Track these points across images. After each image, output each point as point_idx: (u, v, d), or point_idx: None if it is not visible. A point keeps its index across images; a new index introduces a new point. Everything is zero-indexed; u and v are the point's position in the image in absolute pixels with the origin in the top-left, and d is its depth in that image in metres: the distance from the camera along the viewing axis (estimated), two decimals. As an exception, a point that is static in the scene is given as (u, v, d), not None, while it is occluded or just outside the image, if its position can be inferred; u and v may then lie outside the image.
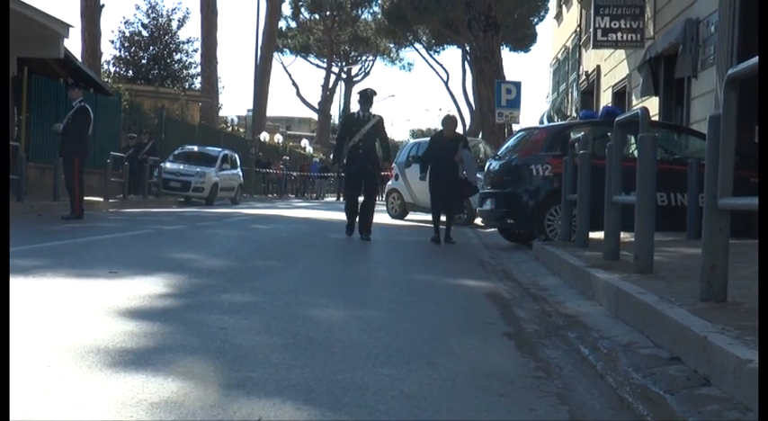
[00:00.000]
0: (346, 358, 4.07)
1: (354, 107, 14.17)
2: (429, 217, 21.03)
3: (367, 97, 13.04)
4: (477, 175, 13.03)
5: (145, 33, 41.50)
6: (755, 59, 4.11)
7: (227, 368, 3.75)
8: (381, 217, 20.37)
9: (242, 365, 3.82)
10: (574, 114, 26.01)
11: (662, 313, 4.44)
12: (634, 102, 19.87)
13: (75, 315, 4.95)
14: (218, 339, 4.43)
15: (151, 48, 41.41)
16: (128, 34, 41.28)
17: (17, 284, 5.82)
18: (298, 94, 78.69)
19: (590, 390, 3.70)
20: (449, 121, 13.06)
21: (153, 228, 13.25)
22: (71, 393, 3.23)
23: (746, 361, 3.21)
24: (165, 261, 8.25)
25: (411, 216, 20.91)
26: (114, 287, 6.16)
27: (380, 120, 12.94)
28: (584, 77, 26.78)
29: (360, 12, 66.79)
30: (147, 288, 6.14)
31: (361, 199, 13.03)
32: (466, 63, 52.70)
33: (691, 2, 15.74)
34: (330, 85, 71.45)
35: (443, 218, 12.85)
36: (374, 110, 13.10)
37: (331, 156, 30.89)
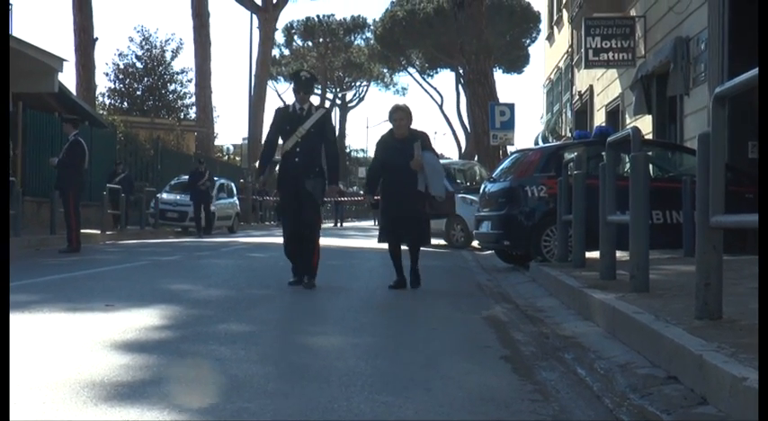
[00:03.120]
0: (342, 386, 4.05)
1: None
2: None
3: (303, 83, 9.16)
4: (446, 183, 9.75)
5: (139, 65, 41.69)
6: (742, 77, 4.13)
7: (224, 399, 3.74)
8: (370, 242, 20.34)
9: (238, 396, 3.80)
10: (568, 134, 26.07)
11: (658, 332, 4.44)
12: (628, 120, 19.92)
13: (71, 349, 4.94)
14: (214, 370, 4.41)
15: (145, 79, 41.59)
16: (122, 66, 41.49)
17: (14, 320, 5.81)
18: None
19: (587, 412, 3.69)
20: (398, 114, 9.15)
21: (149, 259, 13.23)
22: (66, 429, 3.21)
23: (742, 379, 3.21)
24: (162, 292, 8.23)
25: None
26: (110, 320, 6.15)
27: (326, 116, 9.26)
28: (577, 97, 26.86)
29: (352, 38, 67.10)
30: (143, 320, 6.13)
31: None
32: (459, 86, 52.84)
33: (680, 20, 15.82)
34: (325, 111, 71.65)
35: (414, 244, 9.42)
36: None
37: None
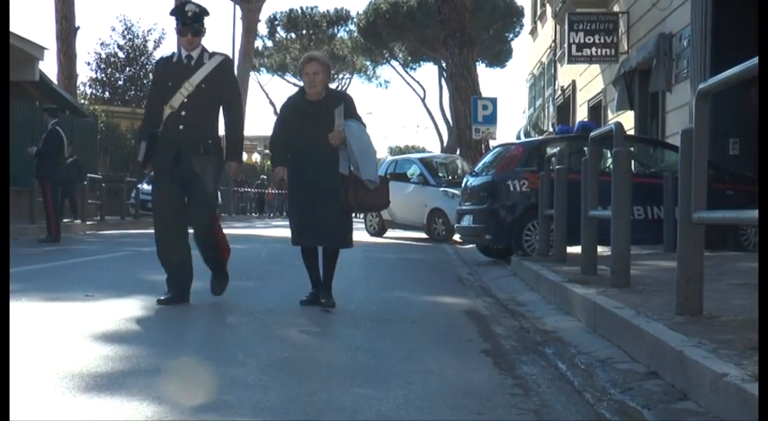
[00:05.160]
0: (323, 379, 4.04)
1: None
2: (408, 233, 21.21)
3: (189, 19, 6.68)
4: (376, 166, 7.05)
5: (121, 55, 41.42)
6: (726, 73, 4.14)
7: (203, 391, 3.72)
8: (359, 234, 20.36)
9: (218, 388, 3.78)
10: (550, 129, 26.13)
11: (639, 328, 4.45)
12: (610, 116, 19.99)
13: (51, 340, 4.91)
14: (193, 362, 4.39)
15: (127, 69, 41.34)
16: (104, 56, 41.20)
17: (-9, 310, 5.76)
18: (275, 112, 78.69)
19: (567, 407, 3.69)
20: (311, 66, 6.73)
21: (129, 249, 13.17)
22: (46, 420, 3.19)
23: (723, 374, 3.21)
24: (142, 283, 8.19)
25: (390, 233, 20.89)
26: (90, 310, 6.12)
27: (225, 65, 6.78)
28: (559, 92, 26.93)
29: (336, 30, 66.89)
30: (122, 311, 6.10)
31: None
32: (442, 79, 52.83)
33: (663, 17, 15.86)
34: (307, 103, 71.45)
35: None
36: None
37: None
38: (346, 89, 71.02)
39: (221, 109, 6.77)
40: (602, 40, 18.76)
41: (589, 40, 18.77)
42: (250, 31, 45.23)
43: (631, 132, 16.83)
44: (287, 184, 6.87)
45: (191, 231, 6.85)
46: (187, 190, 6.67)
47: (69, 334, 5.12)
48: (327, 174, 6.64)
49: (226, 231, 7.01)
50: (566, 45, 19.98)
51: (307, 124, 6.67)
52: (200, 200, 6.68)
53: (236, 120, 6.79)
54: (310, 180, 6.68)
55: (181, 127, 6.56)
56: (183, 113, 6.56)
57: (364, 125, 6.89)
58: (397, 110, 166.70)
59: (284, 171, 6.79)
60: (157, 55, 52.24)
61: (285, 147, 6.83)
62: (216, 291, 6.96)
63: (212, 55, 6.74)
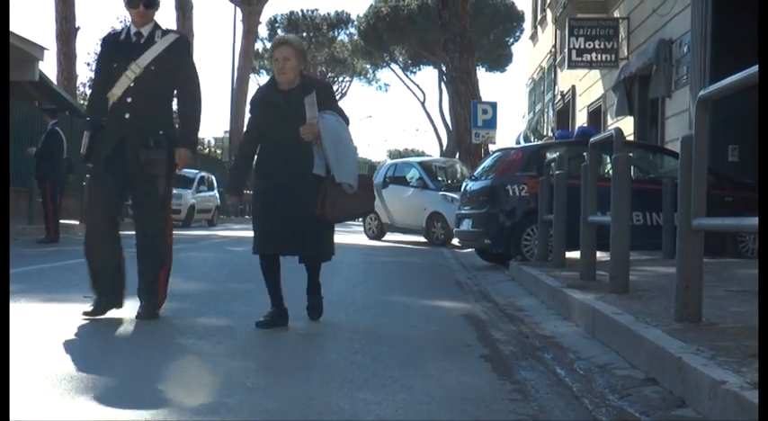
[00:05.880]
0: (322, 382, 4.04)
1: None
2: (407, 237, 21.21)
3: None
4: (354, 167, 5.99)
5: (121, 55, 41.42)
6: (727, 80, 4.14)
7: (202, 393, 3.72)
8: (358, 237, 20.36)
9: (216, 391, 3.78)
10: (550, 134, 26.14)
11: (637, 334, 4.45)
12: (609, 121, 20.00)
13: (48, 341, 4.91)
14: (192, 364, 4.39)
15: (127, 70, 41.33)
16: (104, 56, 41.19)
17: (-10, 310, 5.76)
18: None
19: (566, 413, 3.70)
20: (281, 50, 5.84)
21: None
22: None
23: (721, 382, 3.22)
24: (141, 285, 8.18)
25: (389, 236, 20.89)
26: (88, 312, 6.10)
27: (180, 44, 5.95)
28: (559, 97, 26.94)
29: (336, 33, 66.92)
30: (121, 312, 6.09)
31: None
32: (442, 83, 52.84)
33: (663, 23, 15.88)
34: (307, 106, 71.41)
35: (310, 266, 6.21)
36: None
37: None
38: (346, 92, 71.18)
39: (175, 96, 5.97)
40: (602, 46, 18.77)
41: (589, 45, 18.79)
42: (250, 33, 45.24)
43: (631, 138, 16.84)
44: (254, 187, 6.00)
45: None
46: (132, 190, 5.86)
47: (68, 335, 5.12)
48: (300, 174, 5.75)
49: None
50: (566, 50, 19.99)
51: (276, 117, 5.79)
52: (149, 204, 5.87)
53: (190, 106, 5.94)
54: (280, 182, 5.76)
55: (127, 115, 5.73)
56: (130, 100, 5.73)
57: (345, 119, 5.97)
58: (397, 113, 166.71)
59: (238, 200, 6.38)
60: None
61: (249, 163, 6.03)
62: (147, 314, 5.87)
63: (165, 32, 5.91)
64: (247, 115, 6.24)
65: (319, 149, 5.77)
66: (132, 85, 5.73)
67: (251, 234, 6.04)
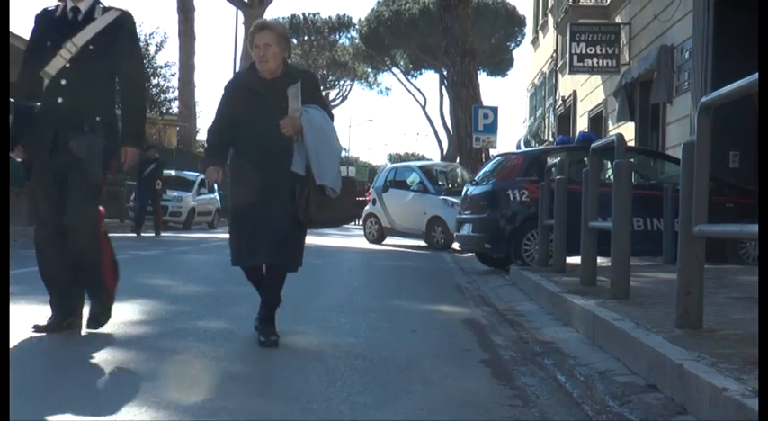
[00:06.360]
0: (321, 386, 4.04)
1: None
2: (407, 241, 21.20)
3: None
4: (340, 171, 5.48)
5: (122, 57, 41.44)
6: (729, 87, 4.14)
7: (202, 397, 3.71)
8: (358, 241, 20.35)
9: (217, 394, 3.78)
10: (550, 139, 26.14)
11: (638, 340, 4.44)
12: (610, 127, 20.00)
13: (48, 343, 4.90)
14: (193, 367, 4.38)
15: (129, 72, 41.35)
16: (105, 58, 41.21)
17: (-11, 312, 5.75)
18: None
19: (566, 419, 3.69)
20: (261, 36, 5.36)
21: (128, 253, 13.15)
22: (42, 424, 3.18)
23: (722, 389, 3.21)
24: (141, 287, 8.18)
25: (389, 240, 20.89)
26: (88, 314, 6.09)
27: (122, 22, 5.33)
28: (560, 102, 26.94)
29: (337, 36, 66.99)
30: (121, 315, 6.08)
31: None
32: (443, 87, 52.90)
33: (665, 28, 15.89)
34: (308, 109, 71.43)
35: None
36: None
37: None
38: (347, 95, 71.18)
39: (117, 79, 5.32)
40: (603, 51, 18.78)
41: (591, 50, 18.80)
42: (252, 37, 45.28)
43: (632, 143, 16.84)
44: (230, 186, 5.51)
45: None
46: (69, 180, 5.13)
47: (67, 336, 5.10)
48: (278, 173, 5.19)
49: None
50: (567, 55, 20.00)
51: (256, 109, 5.25)
52: (76, 194, 5.11)
53: (133, 93, 5.35)
54: (257, 181, 5.20)
55: (60, 99, 5.10)
56: (64, 82, 5.09)
57: (331, 115, 5.44)
58: (398, 117, 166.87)
59: (218, 172, 5.39)
60: (159, 59, 52.36)
61: (224, 141, 5.39)
62: (94, 324, 5.34)
63: (107, 9, 5.29)
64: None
65: (300, 148, 5.21)
66: (67, 65, 5.09)
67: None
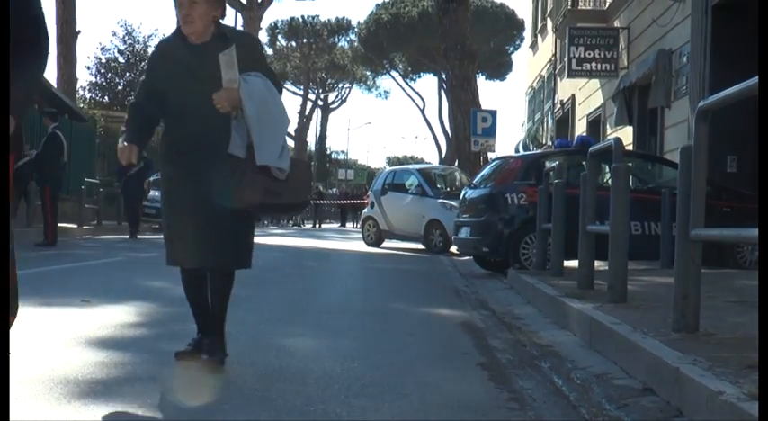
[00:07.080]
0: (319, 389, 4.04)
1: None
2: (405, 244, 21.20)
3: None
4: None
5: (121, 59, 41.42)
6: (727, 91, 4.15)
7: (199, 399, 3.71)
8: (356, 244, 20.35)
9: (214, 396, 3.78)
10: (549, 143, 26.16)
11: (635, 344, 4.45)
12: (608, 131, 20.02)
13: (45, 345, 4.90)
14: (190, 369, 4.38)
15: (127, 74, 41.32)
16: (104, 60, 41.19)
17: (-13, 313, 5.75)
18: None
19: (563, 422, 3.69)
20: None
21: (126, 255, 13.16)
22: (39, 426, 3.18)
23: (718, 392, 3.21)
24: (138, 289, 8.18)
25: (387, 243, 20.89)
26: (86, 316, 6.11)
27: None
28: (559, 106, 26.97)
29: (336, 39, 67.05)
30: (118, 317, 6.09)
31: None
32: (442, 91, 52.94)
33: (663, 33, 15.90)
34: (307, 112, 71.52)
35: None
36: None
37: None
38: (346, 98, 71.19)
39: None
40: (602, 55, 18.81)
41: (589, 54, 18.82)
42: (251, 39, 45.26)
43: (630, 147, 16.85)
44: (160, 174, 4.72)
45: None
46: None
47: (64, 339, 5.11)
48: (214, 156, 4.35)
49: None
50: (566, 59, 20.03)
51: (183, 80, 4.42)
52: None
53: (29, 66, 3.54)
54: (187, 166, 4.41)
55: None
56: None
57: (278, 84, 4.58)
58: (397, 120, 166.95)
59: (133, 151, 4.45)
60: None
61: (147, 118, 4.61)
62: None
63: None
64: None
65: (240, 123, 4.36)
66: None
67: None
